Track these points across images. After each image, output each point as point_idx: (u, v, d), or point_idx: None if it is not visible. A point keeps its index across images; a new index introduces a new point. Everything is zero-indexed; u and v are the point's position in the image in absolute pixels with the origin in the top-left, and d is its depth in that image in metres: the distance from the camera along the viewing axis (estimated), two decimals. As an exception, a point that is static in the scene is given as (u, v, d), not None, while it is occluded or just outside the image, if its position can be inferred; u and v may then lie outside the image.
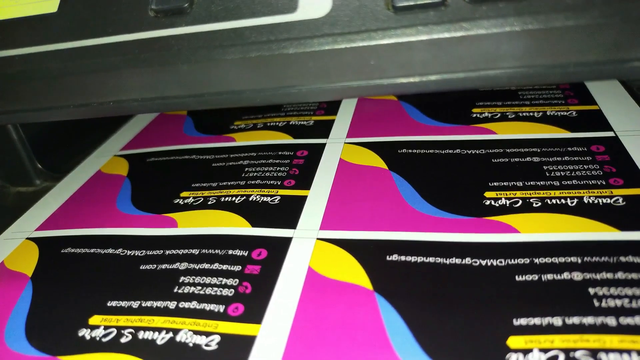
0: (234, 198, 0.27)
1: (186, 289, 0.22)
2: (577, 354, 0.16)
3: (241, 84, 0.21)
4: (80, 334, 0.20)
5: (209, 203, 0.27)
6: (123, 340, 0.20)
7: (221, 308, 0.21)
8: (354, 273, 0.21)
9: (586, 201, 0.22)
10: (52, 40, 0.22)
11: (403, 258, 0.21)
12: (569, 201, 0.23)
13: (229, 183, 0.28)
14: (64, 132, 0.37)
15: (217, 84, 0.21)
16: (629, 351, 0.16)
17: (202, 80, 0.21)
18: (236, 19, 0.20)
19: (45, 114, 0.23)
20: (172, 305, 0.21)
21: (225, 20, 0.20)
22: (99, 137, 0.37)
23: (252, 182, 0.28)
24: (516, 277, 0.19)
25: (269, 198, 0.27)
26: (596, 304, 0.18)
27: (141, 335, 0.20)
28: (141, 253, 0.24)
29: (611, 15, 0.17)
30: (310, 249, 0.23)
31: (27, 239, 0.27)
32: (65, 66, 0.22)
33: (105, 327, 0.21)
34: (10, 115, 0.24)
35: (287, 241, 0.23)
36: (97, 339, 0.20)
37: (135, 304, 0.21)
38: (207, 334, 0.20)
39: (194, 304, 0.21)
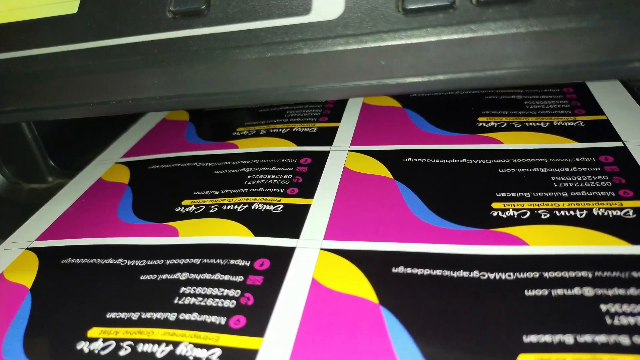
0: (236, 206, 0.27)
1: (187, 300, 0.21)
2: None
3: (256, 83, 0.21)
4: (79, 347, 0.20)
5: (211, 211, 0.27)
6: (122, 353, 0.19)
7: (222, 320, 0.20)
8: (359, 285, 0.21)
9: (595, 213, 0.22)
10: (73, 41, 0.23)
11: (409, 270, 0.21)
12: (578, 213, 0.22)
13: (231, 191, 0.28)
14: (76, 130, 0.38)
15: (233, 83, 0.21)
16: (643, 371, 0.16)
17: (219, 80, 0.21)
18: (252, 21, 0.21)
19: (65, 112, 0.24)
20: (172, 316, 0.21)
21: (241, 21, 0.21)
22: (110, 135, 0.37)
23: (255, 190, 0.28)
24: (526, 291, 0.19)
25: (271, 206, 0.26)
26: (608, 321, 0.17)
27: (140, 348, 0.20)
28: (142, 263, 0.24)
29: (612, 18, 0.17)
30: (314, 259, 0.22)
31: (27, 249, 0.26)
32: (85, 65, 0.22)
33: (104, 340, 0.20)
34: (31, 112, 0.25)
35: (290, 251, 0.23)
36: (96, 352, 0.20)
37: (134, 316, 0.21)
38: (208, 347, 0.19)
39: (194, 316, 0.21)
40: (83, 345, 0.20)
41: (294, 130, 0.33)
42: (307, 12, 0.20)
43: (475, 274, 0.20)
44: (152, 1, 0.22)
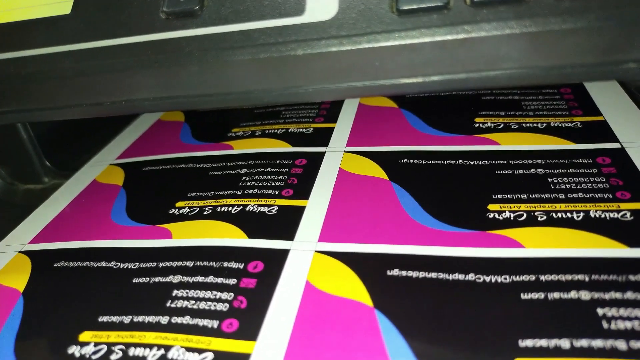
0: (230, 208, 0.26)
1: (179, 303, 0.21)
2: None
3: (250, 85, 0.21)
4: (70, 351, 0.20)
5: (205, 213, 0.26)
6: (113, 357, 0.19)
7: (215, 323, 0.20)
8: (353, 288, 0.20)
9: (592, 215, 0.22)
10: (66, 42, 0.22)
11: (404, 273, 0.21)
12: (574, 215, 0.22)
13: (226, 192, 0.28)
14: (72, 130, 0.37)
15: (226, 85, 0.21)
16: (640, 376, 0.15)
17: (212, 81, 0.21)
18: (245, 22, 0.20)
19: (59, 113, 0.24)
20: (164, 320, 0.20)
21: (235, 22, 0.21)
22: (107, 135, 0.37)
23: (250, 191, 0.28)
24: (522, 295, 0.19)
25: (266, 208, 0.26)
26: (605, 325, 0.17)
27: (132, 352, 0.19)
28: (134, 265, 0.24)
29: (607, 19, 0.17)
30: (309, 262, 0.22)
31: (20, 252, 0.26)
32: (79, 66, 0.22)
33: (96, 344, 0.20)
34: (25, 113, 0.25)
35: (284, 253, 0.23)
36: (87, 356, 0.19)
37: (126, 319, 0.21)
38: (200, 351, 0.19)
39: (187, 319, 0.20)
40: (74, 350, 0.20)
41: (289, 130, 0.33)
42: (301, 13, 0.20)
43: (471, 276, 0.20)
44: (145, 2, 0.22)
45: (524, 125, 0.29)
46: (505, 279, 0.19)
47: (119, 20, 0.22)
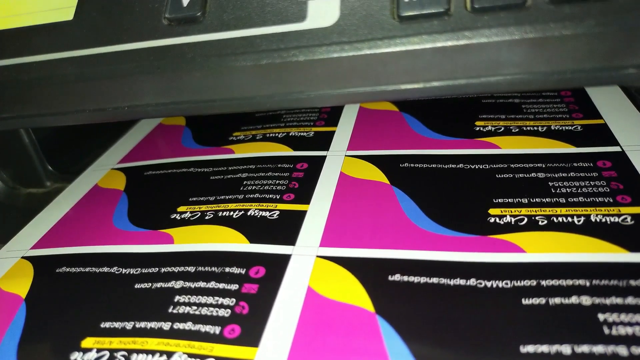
0: (231, 213, 0.27)
1: (181, 309, 0.21)
2: None
3: (252, 90, 0.21)
4: (72, 357, 0.20)
5: (207, 218, 0.27)
6: (115, 363, 0.19)
7: (217, 329, 0.20)
8: (355, 294, 0.20)
9: (593, 219, 0.22)
10: (68, 48, 0.22)
11: (406, 278, 0.21)
12: (575, 219, 0.22)
13: (227, 197, 0.28)
14: (73, 134, 0.38)
15: (228, 90, 0.21)
16: (641, 382, 0.15)
17: (214, 87, 0.21)
18: (247, 28, 0.21)
19: (61, 118, 0.24)
20: (166, 326, 0.20)
21: (237, 28, 0.21)
22: (109, 138, 0.37)
23: (251, 196, 0.28)
24: (523, 300, 0.19)
25: (267, 213, 0.26)
26: (606, 331, 0.17)
27: (134, 358, 0.19)
28: (136, 271, 0.24)
29: (607, 25, 0.17)
30: (310, 267, 0.22)
31: (23, 257, 0.26)
32: (81, 72, 0.22)
33: (98, 350, 0.20)
34: (28, 119, 0.25)
35: (286, 258, 0.23)
36: (89, 362, 0.20)
37: (129, 325, 0.21)
38: (202, 357, 0.19)
39: (189, 325, 0.20)
40: (77, 356, 0.20)
41: (290, 134, 0.33)
42: (303, 19, 0.20)
43: (472, 281, 0.20)
44: (148, 8, 0.22)
45: (524, 128, 0.29)
46: (507, 284, 0.19)
47: (122, 26, 0.22)
